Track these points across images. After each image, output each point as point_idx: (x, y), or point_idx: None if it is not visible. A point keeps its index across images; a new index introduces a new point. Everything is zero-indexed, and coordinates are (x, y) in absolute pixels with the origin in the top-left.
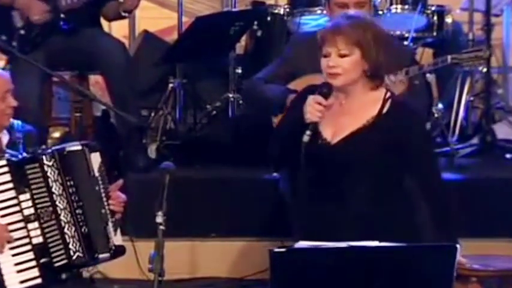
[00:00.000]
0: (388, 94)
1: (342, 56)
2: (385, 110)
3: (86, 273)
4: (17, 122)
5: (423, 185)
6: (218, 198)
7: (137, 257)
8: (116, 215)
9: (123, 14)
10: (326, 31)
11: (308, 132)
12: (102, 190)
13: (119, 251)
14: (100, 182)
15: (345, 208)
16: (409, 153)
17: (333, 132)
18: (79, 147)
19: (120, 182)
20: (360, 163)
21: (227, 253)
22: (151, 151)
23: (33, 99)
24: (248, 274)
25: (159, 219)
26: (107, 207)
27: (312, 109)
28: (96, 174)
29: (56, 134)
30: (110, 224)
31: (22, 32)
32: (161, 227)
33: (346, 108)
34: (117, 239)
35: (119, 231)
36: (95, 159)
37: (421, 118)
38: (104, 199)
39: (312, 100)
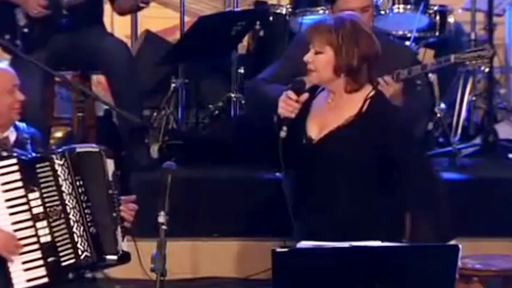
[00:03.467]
0: (372, 93)
1: (317, 53)
2: (364, 109)
3: (88, 273)
4: (22, 125)
5: (410, 181)
6: (220, 198)
7: (139, 257)
8: (125, 223)
9: (142, 5)
10: (308, 28)
11: (284, 128)
12: (114, 195)
13: (125, 257)
14: (113, 187)
15: (330, 206)
16: (390, 151)
17: (318, 131)
18: (96, 149)
19: (133, 197)
20: (339, 160)
21: (229, 253)
22: (154, 151)
23: (36, 99)
24: (251, 274)
25: (161, 219)
26: (117, 212)
27: (285, 104)
28: (110, 179)
29: (58, 134)
30: (119, 229)
31: (25, 30)
32: (163, 227)
33: (332, 106)
34: (123, 245)
35: (125, 239)
36: (110, 165)
37: (399, 115)
38: (116, 204)
39: (283, 95)
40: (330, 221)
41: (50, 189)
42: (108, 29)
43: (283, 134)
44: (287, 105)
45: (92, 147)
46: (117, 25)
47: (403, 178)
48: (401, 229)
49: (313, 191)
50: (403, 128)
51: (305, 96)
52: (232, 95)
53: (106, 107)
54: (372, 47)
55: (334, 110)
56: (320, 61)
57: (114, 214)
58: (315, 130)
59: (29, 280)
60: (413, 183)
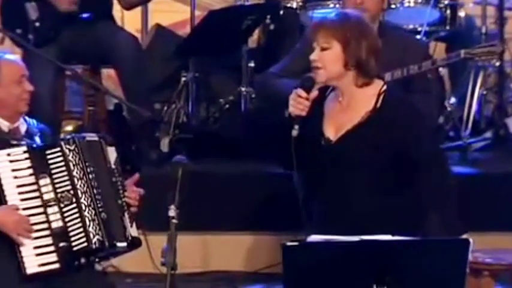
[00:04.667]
0: (384, 87)
1: (323, 49)
2: (379, 105)
3: (98, 267)
4: (32, 120)
5: (424, 176)
6: (230, 191)
7: (150, 251)
8: (132, 208)
9: None
10: (311, 26)
11: (296, 127)
12: (118, 182)
13: (135, 243)
14: (116, 175)
15: (349, 204)
16: (406, 145)
17: (335, 131)
18: (96, 138)
19: (137, 176)
20: (359, 159)
21: (239, 247)
22: (164, 145)
23: (46, 93)
24: (260, 268)
25: (172, 212)
26: (123, 199)
27: (294, 102)
28: (113, 166)
29: (69, 128)
30: (126, 216)
31: (37, 24)
32: (174, 221)
33: (344, 105)
34: (133, 230)
35: (134, 224)
36: (111, 152)
37: (415, 109)
38: (120, 191)
39: (293, 94)
40: (347, 220)
41: (62, 174)
42: (119, 23)
43: (295, 132)
44: (297, 103)
45: (91, 136)
46: (128, 19)
47: (418, 173)
48: (418, 226)
49: (330, 190)
50: (419, 122)
51: (315, 93)
52: (243, 89)
53: (116, 101)
54: (377, 40)
55: (348, 109)
56: (327, 57)
57: (120, 201)
58: (331, 131)
59: (41, 265)
60: (428, 179)
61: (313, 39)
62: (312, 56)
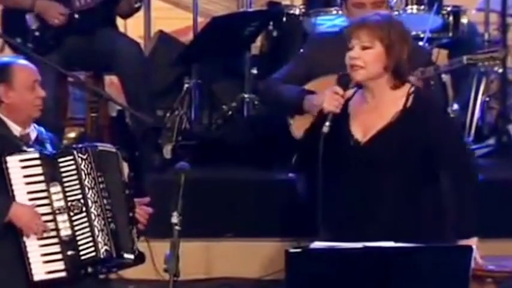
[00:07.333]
0: (412, 88)
1: (365, 48)
2: (409, 104)
3: (102, 274)
4: (41, 128)
5: (453, 171)
6: (233, 198)
7: (152, 257)
8: (139, 225)
9: (137, 5)
10: (352, 25)
11: (327, 123)
12: (130, 196)
13: (140, 258)
14: (129, 188)
15: (378, 208)
16: (436, 145)
17: (363, 132)
18: (113, 149)
19: (147, 199)
20: (389, 160)
21: (242, 253)
22: (167, 151)
23: (49, 100)
24: (264, 274)
25: (175, 219)
26: (133, 213)
27: (329, 99)
28: (126, 180)
29: (72, 134)
30: (134, 230)
31: (37, 33)
32: (176, 227)
33: (373, 106)
34: (138, 246)
35: (139, 240)
36: (125, 168)
37: (443, 110)
38: (132, 205)
39: (329, 90)
40: (376, 222)
41: (73, 183)
42: (121, 30)
43: (326, 129)
44: (333, 100)
45: (108, 147)
46: (130, 26)
47: (446, 172)
48: (443, 228)
49: (354, 192)
50: (449, 122)
51: (351, 91)
52: (246, 96)
53: (119, 107)
54: (412, 45)
55: (377, 110)
56: (370, 56)
57: (131, 214)
58: (359, 132)
59: (48, 272)
60: (457, 175)
61: (354, 37)
62: (352, 54)
